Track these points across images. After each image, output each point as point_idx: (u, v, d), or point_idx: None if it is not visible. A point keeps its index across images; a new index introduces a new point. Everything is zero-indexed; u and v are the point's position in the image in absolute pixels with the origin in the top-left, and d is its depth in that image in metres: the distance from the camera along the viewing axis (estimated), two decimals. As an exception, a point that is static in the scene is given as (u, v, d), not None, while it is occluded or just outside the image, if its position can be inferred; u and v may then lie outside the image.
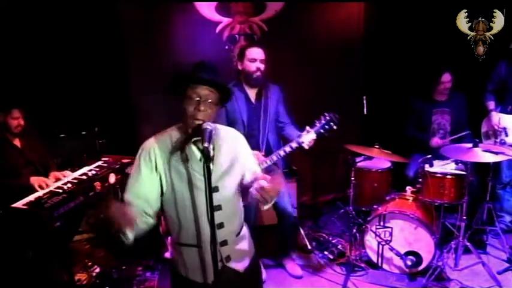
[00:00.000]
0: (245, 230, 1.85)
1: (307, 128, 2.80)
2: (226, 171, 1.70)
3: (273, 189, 1.53)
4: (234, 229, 1.76)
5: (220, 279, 1.67)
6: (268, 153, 3.00)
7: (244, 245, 1.83)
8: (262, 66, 2.94)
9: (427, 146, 3.71)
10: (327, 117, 2.78)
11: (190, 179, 1.63)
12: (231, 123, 2.96)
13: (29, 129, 3.13)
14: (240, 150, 1.79)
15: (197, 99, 1.58)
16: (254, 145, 2.97)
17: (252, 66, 2.93)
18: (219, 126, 1.76)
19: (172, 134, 1.69)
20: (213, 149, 1.66)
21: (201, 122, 1.57)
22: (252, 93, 3.04)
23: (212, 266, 1.61)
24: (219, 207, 1.66)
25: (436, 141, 3.71)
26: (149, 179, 1.64)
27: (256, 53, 2.94)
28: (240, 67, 3.00)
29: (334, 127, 2.77)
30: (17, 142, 3.09)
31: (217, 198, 1.64)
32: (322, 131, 2.78)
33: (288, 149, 2.84)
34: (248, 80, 2.98)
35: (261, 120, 3.04)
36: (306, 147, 2.80)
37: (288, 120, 3.15)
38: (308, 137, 2.78)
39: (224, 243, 1.70)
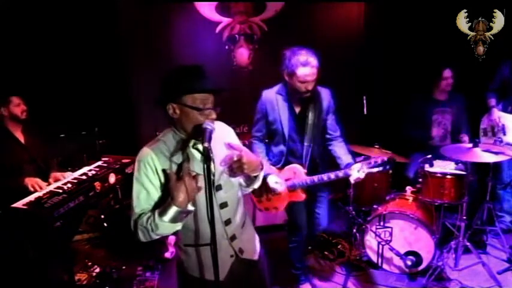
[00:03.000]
0: (247, 219, 1.89)
1: (362, 165, 2.58)
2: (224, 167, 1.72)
3: (245, 163, 1.63)
4: (239, 222, 1.81)
5: (236, 273, 1.74)
6: (312, 168, 2.79)
7: (250, 233, 1.90)
8: (312, 87, 2.61)
9: (427, 145, 3.71)
10: (385, 160, 2.55)
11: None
12: (270, 134, 2.81)
13: (32, 127, 3.12)
14: (227, 142, 1.77)
15: (208, 106, 1.57)
16: (295, 160, 2.80)
17: (301, 87, 2.59)
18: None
19: (166, 140, 1.66)
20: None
21: (207, 127, 1.55)
22: (297, 101, 2.73)
23: (227, 261, 1.75)
24: (225, 204, 1.70)
25: (436, 132, 3.70)
26: (154, 189, 1.62)
27: (307, 74, 2.55)
28: (286, 78, 2.65)
29: (390, 171, 2.59)
30: (21, 138, 3.08)
31: (222, 195, 1.69)
32: (374, 170, 2.59)
33: (332, 176, 2.64)
34: (294, 94, 2.68)
35: (306, 131, 2.74)
36: (352, 181, 2.62)
37: (337, 133, 2.85)
38: (358, 174, 2.57)
39: (233, 237, 1.76)
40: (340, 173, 2.63)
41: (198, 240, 1.73)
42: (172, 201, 1.51)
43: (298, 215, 2.90)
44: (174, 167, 1.61)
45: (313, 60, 2.56)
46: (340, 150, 2.80)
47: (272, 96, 2.76)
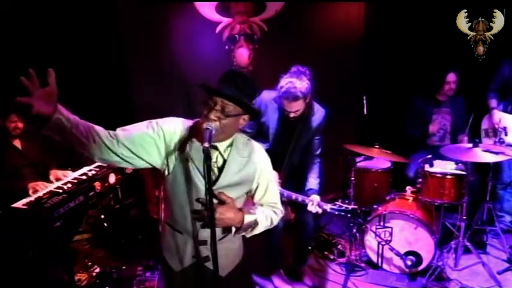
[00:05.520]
0: (232, 237, 1.77)
1: (321, 202, 2.63)
2: (231, 185, 1.68)
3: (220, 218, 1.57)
4: (218, 234, 1.71)
5: (195, 275, 1.71)
6: (290, 177, 2.85)
7: (228, 251, 1.79)
8: (296, 114, 2.67)
9: (426, 144, 3.71)
10: (349, 209, 2.59)
11: (192, 176, 1.63)
12: (258, 135, 2.81)
13: (29, 130, 3.12)
14: (255, 167, 1.73)
15: (210, 106, 1.57)
16: (274, 166, 2.86)
17: (286, 112, 2.69)
18: (243, 139, 1.74)
19: (194, 128, 1.68)
20: (224, 161, 1.67)
21: (207, 127, 1.54)
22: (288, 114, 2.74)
23: (188, 258, 1.73)
24: None
25: (432, 128, 3.70)
26: (147, 143, 1.61)
27: (289, 107, 2.63)
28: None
29: (348, 215, 2.64)
30: (17, 143, 3.11)
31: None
32: (335, 212, 2.63)
33: (293, 197, 2.70)
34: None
35: (291, 141, 2.80)
36: (308, 208, 2.65)
37: (318, 152, 2.90)
38: (312, 208, 2.62)
39: (203, 243, 1.71)
40: (300, 198, 2.68)
41: (174, 224, 1.75)
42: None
43: None
44: (183, 155, 1.63)
45: (298, 92, 2.56)
46: (311, 171, 2.86)
47: (269, 100, 2.80)
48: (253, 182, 1.75)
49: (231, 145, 1.69)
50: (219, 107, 1.55)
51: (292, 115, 2.67)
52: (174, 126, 1.66)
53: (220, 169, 1.67)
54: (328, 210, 2.61)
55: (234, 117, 1.59)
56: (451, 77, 3.65)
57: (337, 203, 2.64)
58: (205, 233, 1.66)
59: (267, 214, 1.79)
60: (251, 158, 1.72)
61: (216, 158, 1.67)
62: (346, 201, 2.67)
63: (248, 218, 1.69)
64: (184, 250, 1.74)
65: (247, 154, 1.72)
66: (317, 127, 2.83)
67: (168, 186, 1.69)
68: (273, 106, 2.79)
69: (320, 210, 2.63)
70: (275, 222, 1.84)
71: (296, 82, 2.57)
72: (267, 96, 2.82)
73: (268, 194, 1.82)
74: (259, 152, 1.78)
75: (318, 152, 2.92)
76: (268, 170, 1.81)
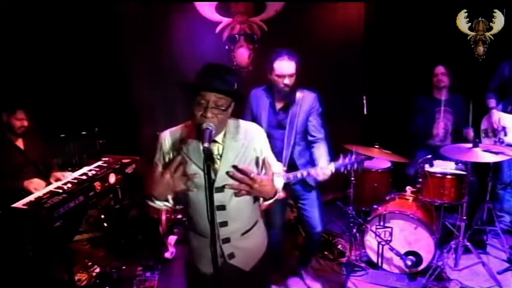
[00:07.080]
0: (256, 230, 1.81)
1: (331, 164, 2.61)
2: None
3: (260, 184, 1.58)
4: (239, 228, 1.75)
5: (223, 274, 1.69)
6: (291, 168, 2.80)
7: (252, 244, 1.82)
8: (290, 81, 2.66)
9: (428, 144, 3.71)
10: (354, 159, 2.60)
11: (195, 176, 1.63)
12: None
13: (32, 130, 3.12)
14: (253, 146, 1.75)
15: (204, 105, 1.55)
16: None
17: (279, 82, 2.65)
18: (233, 123, 1.75)
19: (183, 131, 1.70)
20: (223, 149, 1.68)
21: (207, 128, 1.53)
22: (280, 100, 2.77)
23: (211, 260, 1.69)
24: (222, 207, 1.68)
25: (436, 131, 3.70)
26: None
27: (284, 68, 2.62)
28: (268, 76, 2.71)
29: (358, 169, 2.67)
30: (19, 143, 3.09)
31: (221, 198, 1.66)
32: (342, 169, 2.61)
33: (304, 173, 2.66)
34: (277, 93, 2.73)
35: (285, 131, 2.78)
36: (319, 178, 2.62)
37: (321, 135, 2.84)
38: (323, 175, 2.59)
39: (226, 240, 1.73)
40: (312, 170, 2.64)
41: (195, 228, 1.78)
42: (149, 193, 1.58)
43: (270, 216, 2.86)
44: (180, 155, 1.63)
45: (291, 56, 2.62)
46: (318, 151, 2.79)
47: (258, 93, 2.83)
48: (253, 160, 1.75)
49: (225, 133, 1.70)
50: (213, 104, 1.55)
51: (287, 82, 2.64)
52: (167, 139, 1.71)
53: (220, 158, 1.68)
54: (334, 169, 2.59)
55: (228, 109, 1.61)
56: (439, 69, 3.66)
57: (341, 159, 2.62)
58: (226, 231, 1.69)
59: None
60: (243, 139, 1.72)
61: (217, 150, 1.68)
62: (348, 156, 2.65)
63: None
64: (210, 251, 1.72)
65: (240, 137, 1.72)
66: (310, 109, 2.79)
67: (180, 194, 1.69)
68: (263, 95, 2.81)
69: (329, 172, 2.59)
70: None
71: (290, 51, 2.66)
72: (255, 91, 2.86)
73: (271, 157, 1.84)
74: (246, 129, 1.77)
75: (320, 136, 2.83)
76: (263, 141, 1.81)
